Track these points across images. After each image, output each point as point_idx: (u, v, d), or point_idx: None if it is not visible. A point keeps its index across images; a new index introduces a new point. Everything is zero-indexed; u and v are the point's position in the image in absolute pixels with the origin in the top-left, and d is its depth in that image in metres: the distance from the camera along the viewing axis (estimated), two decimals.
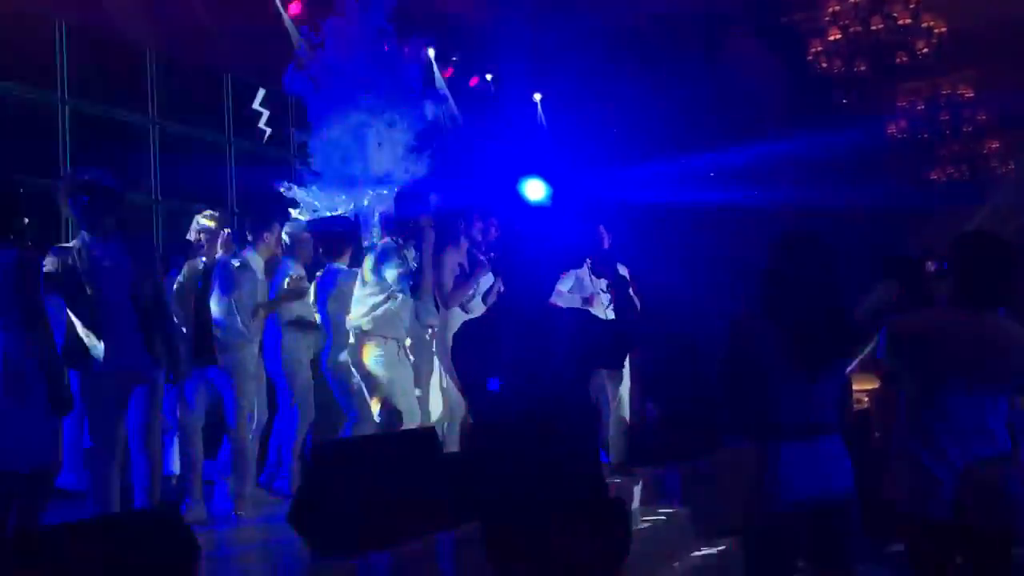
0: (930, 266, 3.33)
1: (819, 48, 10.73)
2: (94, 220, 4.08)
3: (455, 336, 2.96)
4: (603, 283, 3.29)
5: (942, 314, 3.13)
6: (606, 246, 3.17)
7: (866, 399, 12.20)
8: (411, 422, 5.16)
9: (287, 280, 5.39)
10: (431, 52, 9.22)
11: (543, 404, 2.71)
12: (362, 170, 8.24)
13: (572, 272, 5.64)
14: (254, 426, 5.21)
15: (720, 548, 5.84)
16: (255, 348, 5.27)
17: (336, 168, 8.26)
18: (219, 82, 9.46)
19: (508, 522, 2.74)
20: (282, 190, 8.24)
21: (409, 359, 5.44)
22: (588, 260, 3.34)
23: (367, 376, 5.20)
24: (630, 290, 3.12)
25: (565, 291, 5.76)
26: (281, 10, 8.51)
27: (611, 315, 3.24)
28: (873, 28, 10.39)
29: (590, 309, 5.17)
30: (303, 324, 5.56)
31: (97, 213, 4.07)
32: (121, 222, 4.24)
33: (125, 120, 8.68)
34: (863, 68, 10.73)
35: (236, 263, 5.18)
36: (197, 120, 9.30)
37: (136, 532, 3.28)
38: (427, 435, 4.71)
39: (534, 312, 2.82)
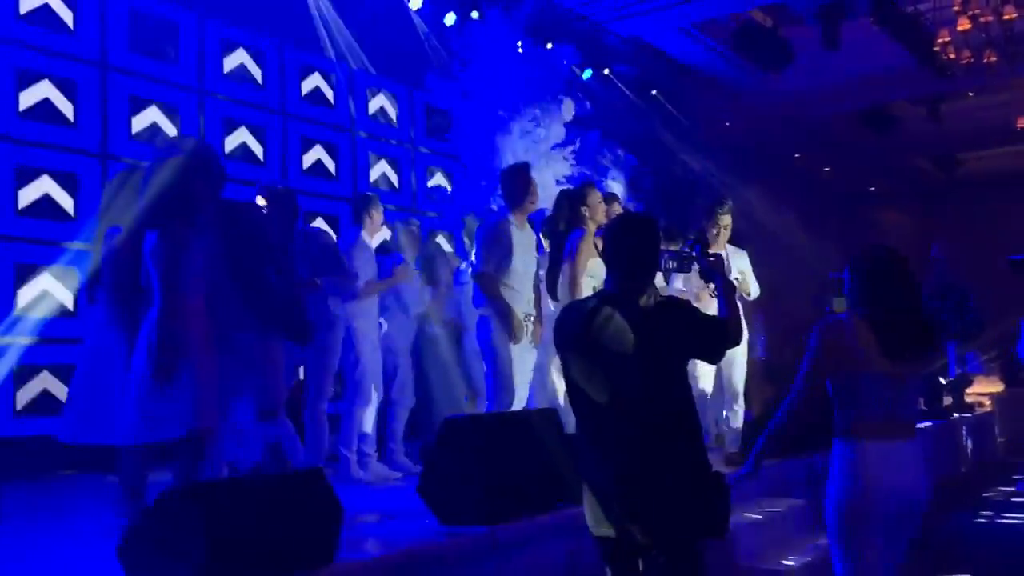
0: None
1: (947, 38, 10.38)
2: None
3: (561, 320, 3.17)
4: (711, 287, 3.44)
5: None
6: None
7: (988, 402, 11.81)
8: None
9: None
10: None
11: (644, 385, 2.91)
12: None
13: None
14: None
15: None
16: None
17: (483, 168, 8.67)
18: None
19: (611, 497, 2.95)
20: None
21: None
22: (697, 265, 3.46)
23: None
24: (736, 294, 3.28)
25: (677, 287, 5.99)
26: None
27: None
28: (1005, 18, 9.99)
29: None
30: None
31: None
32: None
33: None
34: (994, 59, 10.33)
35: None
36: None
37: (286, 491, 3.49)
38: (550, 414, 4.82)
39: (642, 299, 3.00)
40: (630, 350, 2.93)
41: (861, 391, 3.04)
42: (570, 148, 9.03)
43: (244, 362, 4.25)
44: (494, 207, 7.72)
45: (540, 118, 8.84)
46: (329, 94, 9.27)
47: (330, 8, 8.44)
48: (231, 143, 8.29)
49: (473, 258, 5.62)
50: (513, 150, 8.54)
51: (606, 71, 11.07)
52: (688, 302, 3.24)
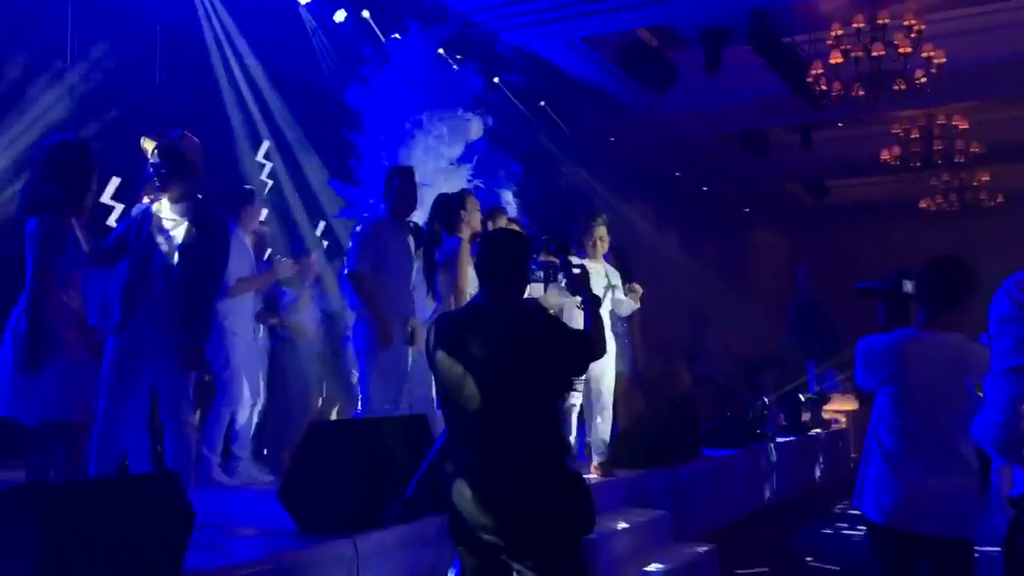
0: (907, 286, 3.46)
1: (820, 70, 10.86)
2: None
3: (433, 330, 3.17)
4: (577, 299, 3.48)
5: (908, 334, 3.25)
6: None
7: (843, 419, 12.38)
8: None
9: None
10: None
11: (510, 395, 2.96)
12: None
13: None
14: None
15: (700, 550, 5.95)
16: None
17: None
18: None
19: (479, 504, 2.96)
20: None
21: None
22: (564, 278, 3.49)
23: None
24: (601, 309, 3.32)
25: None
26: None
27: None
28: (874, 55, 10.52)
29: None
30: None
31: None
32: None
33: None
34: (861, 93, 10.86)
35: None
36: None
37: (136, 494, 3.32)
38: (418, 420, 4.76)
39: (509, 312, 3.06)
40: (497, 361, 2.98)
41: None
42: (469, 165, 9.14)
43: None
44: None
45: (445, 134, 8.94)
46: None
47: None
48: None
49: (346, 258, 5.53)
50: (415, 163, 8.57)
51: (495, 79, 11.11)
52: (555, 316, 3.27)
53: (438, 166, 8.87)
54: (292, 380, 6.57)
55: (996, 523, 3.63)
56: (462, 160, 9.09)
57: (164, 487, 3.41)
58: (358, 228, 5.55)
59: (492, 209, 6.41)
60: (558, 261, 3.49)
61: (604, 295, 6.22)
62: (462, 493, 3.02)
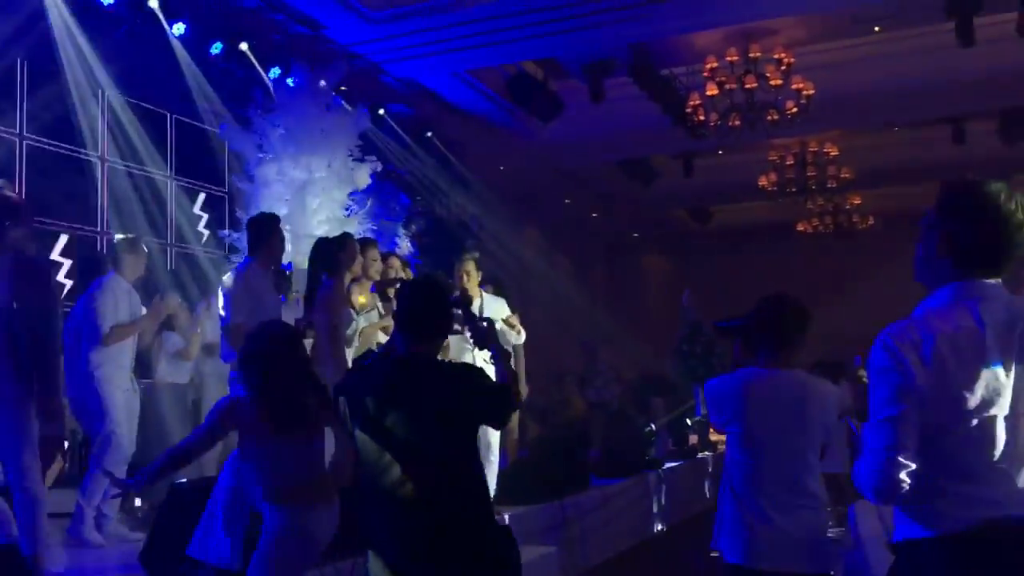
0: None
1: (697, 101, 11.15)
2: None
3: (348, 383, 3.09)
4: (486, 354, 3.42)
5: (750, 373, 3.29)
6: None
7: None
8: None
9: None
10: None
11: (431, 447, 2.88)
12: (299, 225, 8.52)
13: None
14: None
15: None
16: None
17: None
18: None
19: (401, 561, 2.86)
20: None
21: None
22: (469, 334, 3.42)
23: None
24: (511, 361, 3.26)
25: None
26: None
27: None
28: (747, 87, 10.86)
29: None
30: None
31: None
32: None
33: None
34: (737, 123, 11.20)
35: None
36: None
37: None
38: None
39: (427, 365, 2.99)
40: (419, 413, 2.89)
41: None
42: (363, 211, 9.25)
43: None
44: None
45: (335, 183, 8.94)
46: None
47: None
48: None
49: (221, 311, 5.29)
50: (309, 212, 8.58)
51: (381, 111, 11.00)
52: (477, 367, 3.21)
53: (332, 214, 8.84)
54: (160, 431, 6.28)
55: (854, 559, 3.71)
56: (355, 205, 9.15)
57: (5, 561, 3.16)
58: (226, 279, 5.35)
59: (383, 253, 6.30)
60: (460, 313, 3.37)
61: None
62: (382, 550, 2.90)
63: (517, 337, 6.53)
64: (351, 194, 9.19)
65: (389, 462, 2.88)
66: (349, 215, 9.10)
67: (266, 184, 8.83)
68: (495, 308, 6.49)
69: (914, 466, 2.02)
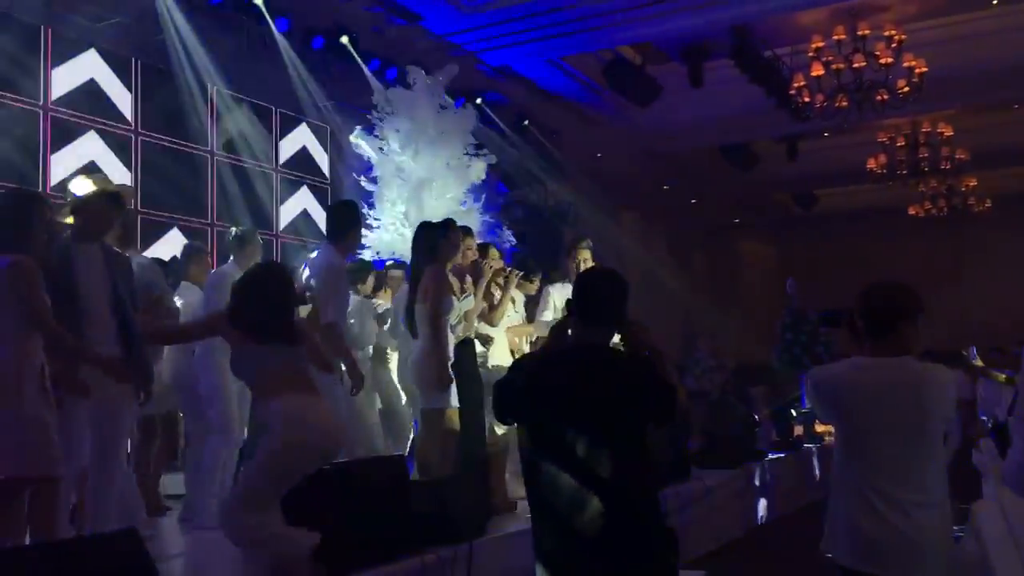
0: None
1: (802, 82, 10.81)
2: None
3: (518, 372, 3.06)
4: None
5: (860, 362, 3.13)
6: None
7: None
8: None
9: None
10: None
11: (600, 445, 2.81)
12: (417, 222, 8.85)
13: None
14: None
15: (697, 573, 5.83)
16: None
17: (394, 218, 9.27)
18: None
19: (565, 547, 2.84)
20: None
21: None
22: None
23: None
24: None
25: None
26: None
27: None
28: (855, 66, 10.47)
29: None
30: None
31: None
32: None
33: None
34: (844, 104, 10.82)
35: None
36: None
37: (93, 556, 3.21)
38: (396, 462, 4.66)
39: (603, 357, 2.94)
40: (595, 404, 2.84)
41: None
42: (478, 206, 9.54)
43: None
44: None
45: (452, 181, 9.34)
46: None
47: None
48: None
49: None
50: (428, 211, 8.85)
51: (478, 100, 11.04)
52: (651, 361, 3.04)
53: (448, 209, 9.03)
54: None
55: (975, 561, 3.52)
56: (469, 199, 9.48)
57: (125, 545, 3.29)
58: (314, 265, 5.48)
59: (479, 246, 6.31)
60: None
61: None
62: (554, 560, 2.87)
63: None
64: (467, 190, 9.52)
65: (568, 456, 2.83)
66: (464, 208, 9.33)
67: (386, 183, 9.25)
68: None
69: None
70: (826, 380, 3.21)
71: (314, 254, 5.71)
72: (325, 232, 5.56)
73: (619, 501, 2.80)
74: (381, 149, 9.30)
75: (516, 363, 3.20)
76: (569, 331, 3.08)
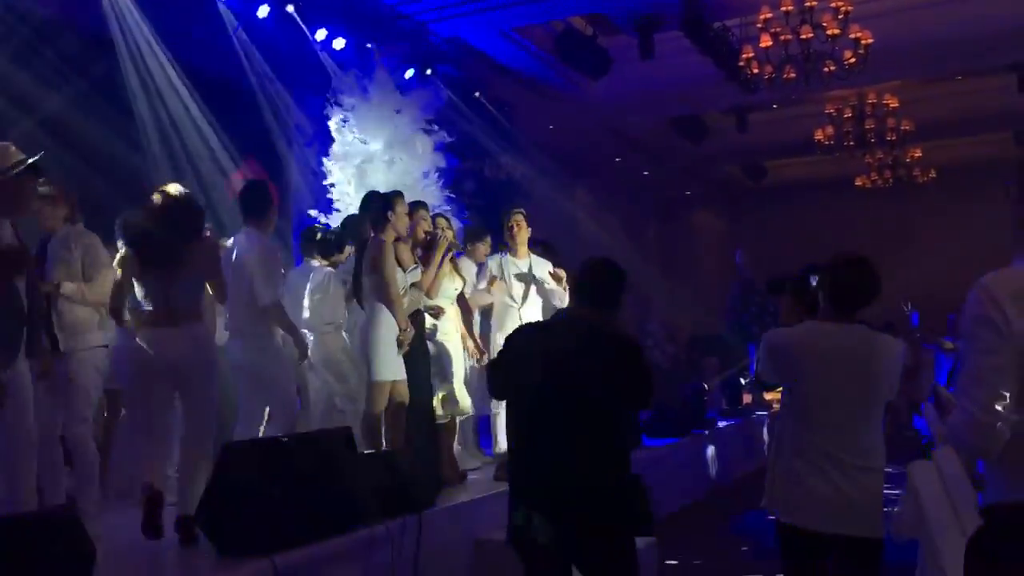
0: (813, 281, 3.43)
1: (751, 54, 10.84)
2: None
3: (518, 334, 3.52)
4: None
5: (816, 327, 3.19)
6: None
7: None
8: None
9: None
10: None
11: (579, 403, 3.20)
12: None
13: None
14: None
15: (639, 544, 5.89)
16: None
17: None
18: None
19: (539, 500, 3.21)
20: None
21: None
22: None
23: None
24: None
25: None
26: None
27: None
28: (803, 37, 10.52)
29: None
30: None
31: None
32: None
33: None
34: (792, 75, 10.87)
35: None
36: None
37: (31, 533, 3.14)
38: (343, 433, 4.62)
39: (597, 331, 3.28)
40: (582, 370, 3.22)
41: None
42: (437, 181, 9.49)
43: None
44: None
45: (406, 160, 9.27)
46: None
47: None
48: None
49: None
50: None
51: (428, 71, 10.91)
52: (640, 347, 3.43)
53: (408, 186, 8.91)
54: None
55: (908, 516, 3.60)
56: (426, 176, 9.41)
57: (60, 521, 3.23)
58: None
59: (411, 204, 6.23)
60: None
61: (527, 288, 6.24)
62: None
63: (564, 295, 6.48)
64: (425, 168, 9.46)
65: (544, 406, 3.21)
66: (422, 186, 9.24)
67: (338, 162, 9.15)
68: (543, 268, 6.45)
69: (1016, 417, 1.94)
70: (782, 342, 3.26)
71: (230, 241, 5.57)
72: (243, 216, 5.41)
73: (597, 457, 3.18)
74: (344, 120, 9.13)
75: (510, 334, 3.54)
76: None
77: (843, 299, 3.16)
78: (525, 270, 6.39)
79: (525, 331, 3.54)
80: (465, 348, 6.10)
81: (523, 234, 6.40)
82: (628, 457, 3.30)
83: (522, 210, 6.54)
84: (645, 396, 3.33)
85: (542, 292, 6.40)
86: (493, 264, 6.48)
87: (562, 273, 6.41)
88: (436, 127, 9.72)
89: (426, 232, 5.93)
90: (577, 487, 3.14)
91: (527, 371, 3.26)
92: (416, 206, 6.08)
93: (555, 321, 3.70)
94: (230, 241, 5.58)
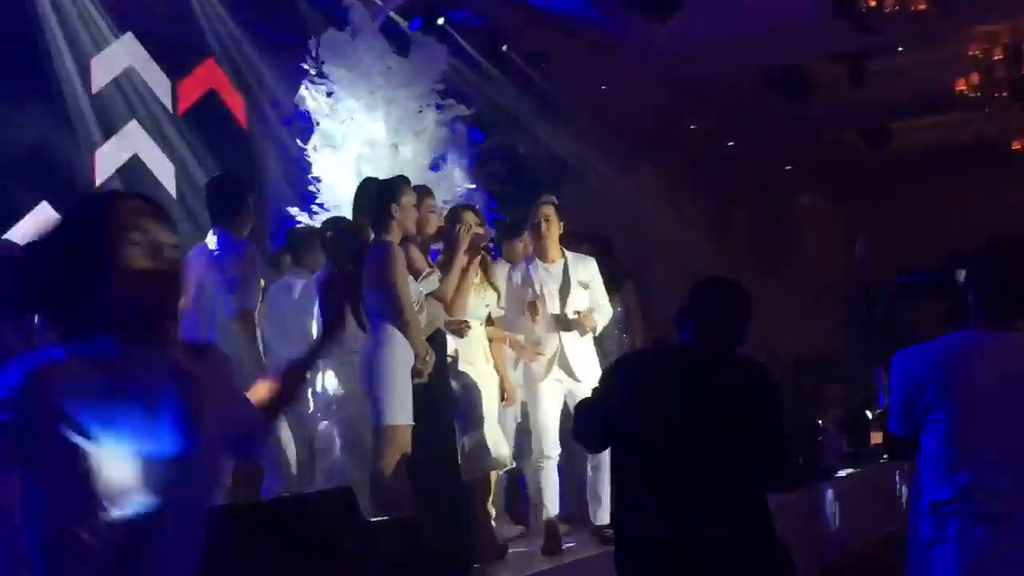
0: (961, 276, 3.34)
1: None
2: None
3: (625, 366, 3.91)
4: None
5: (976, 337, 3.14)
6: None
7: None
8: None
9: None
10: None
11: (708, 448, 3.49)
12: None
13: None
14: None
15: None
16: None
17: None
18: None
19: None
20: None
21: None
22: None
23: None
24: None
25: None
26: None
27: None
28: None
29: None
30: None
31: None
32: None
33: None
34: (923, 7, 10.79)
35: None
36: None
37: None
38: (344, 497, 4.66)
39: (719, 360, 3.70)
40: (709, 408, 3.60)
41: None
42: (458, 167, 9.77)
43: None
44: None
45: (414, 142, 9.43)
46: None
47: None
48: None
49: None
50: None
51: (440, 21, 10.95)
52: (777, 385, 3.89)
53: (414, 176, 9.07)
54: None
55: None
56: (438, 163, 9.60)
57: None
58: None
59: (416, 190, 6.25)
60: None
61: (565, 301, 6.17)
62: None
63: (601, 318, 6.47)
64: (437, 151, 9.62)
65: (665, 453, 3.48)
66: (437, 172, 9.39)
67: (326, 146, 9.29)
68: (581, 270, 6.41)
69: None
70: (918, 363, 3.20)
71: (194, 250, 5.68)
72: (211, 216, 5.55)
73: (739, 513, 3.44)
74: (329, 94, 9.25)
75: (611, 368, 3.93)
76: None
77: (1004, 300, 3.11)
78: (559, 277, 6.31)
79: (633, 364, 3.87)
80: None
81: (554, 231, 6.36)
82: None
83: (553, 199, 6.49)
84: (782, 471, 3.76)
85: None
86: (518, 277, 6.40)
87: (602, 294, 6.41)
88: (451, 101, 9.85)
89: (439, 226, 5.96)
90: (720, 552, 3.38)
91: (650, 414, 3.52)
92: (420, 194, 6.09)
93: (673, 355, 3.99)
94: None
